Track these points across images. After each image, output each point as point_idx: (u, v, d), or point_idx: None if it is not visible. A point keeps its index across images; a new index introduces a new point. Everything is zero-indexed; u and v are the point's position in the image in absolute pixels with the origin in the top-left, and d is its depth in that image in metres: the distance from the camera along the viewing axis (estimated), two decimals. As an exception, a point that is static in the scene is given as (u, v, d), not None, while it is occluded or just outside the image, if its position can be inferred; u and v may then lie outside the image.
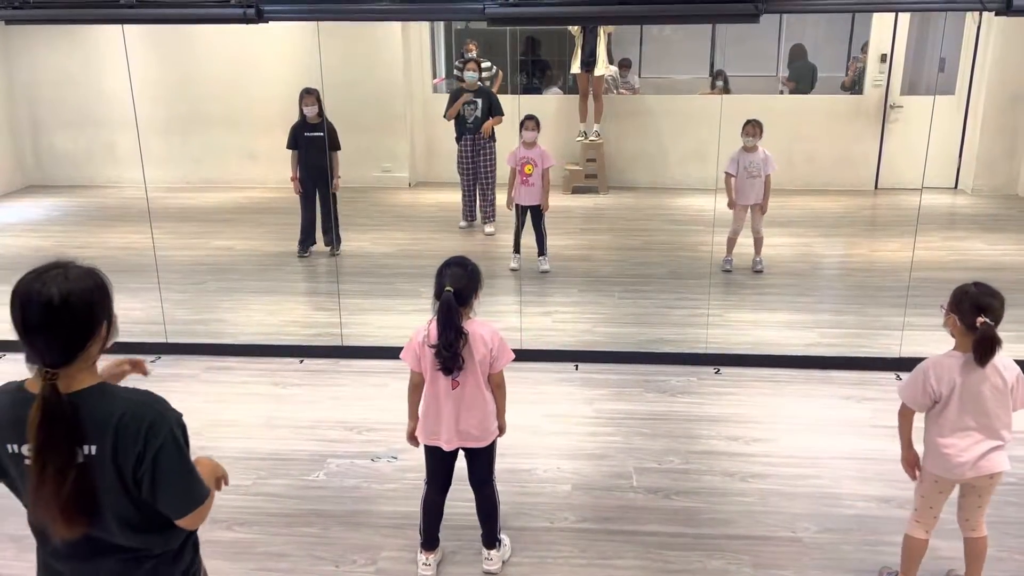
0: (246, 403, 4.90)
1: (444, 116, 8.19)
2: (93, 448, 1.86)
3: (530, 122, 6.81)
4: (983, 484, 3.09)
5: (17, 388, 1.93)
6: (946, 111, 9.50)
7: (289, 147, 7.28)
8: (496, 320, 5.63)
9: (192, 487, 1.95)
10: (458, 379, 3.21)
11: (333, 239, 7.40)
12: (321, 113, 7.12)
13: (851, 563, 3.51)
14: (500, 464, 4.08)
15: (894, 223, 8.62)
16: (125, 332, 6.31)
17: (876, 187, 9.84)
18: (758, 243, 7.02)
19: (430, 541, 3.47)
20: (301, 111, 7.16)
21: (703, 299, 6.03)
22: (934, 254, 7.23)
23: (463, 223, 8.38)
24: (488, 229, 8.20)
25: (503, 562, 3.51)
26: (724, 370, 5.24)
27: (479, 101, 8.01)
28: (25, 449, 1.87)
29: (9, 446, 1.90)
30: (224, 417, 4.71)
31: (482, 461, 3.40)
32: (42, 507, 1.86)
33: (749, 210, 6.93)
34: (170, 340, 5.52)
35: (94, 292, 1.89)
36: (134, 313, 6.07)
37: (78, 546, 1.94)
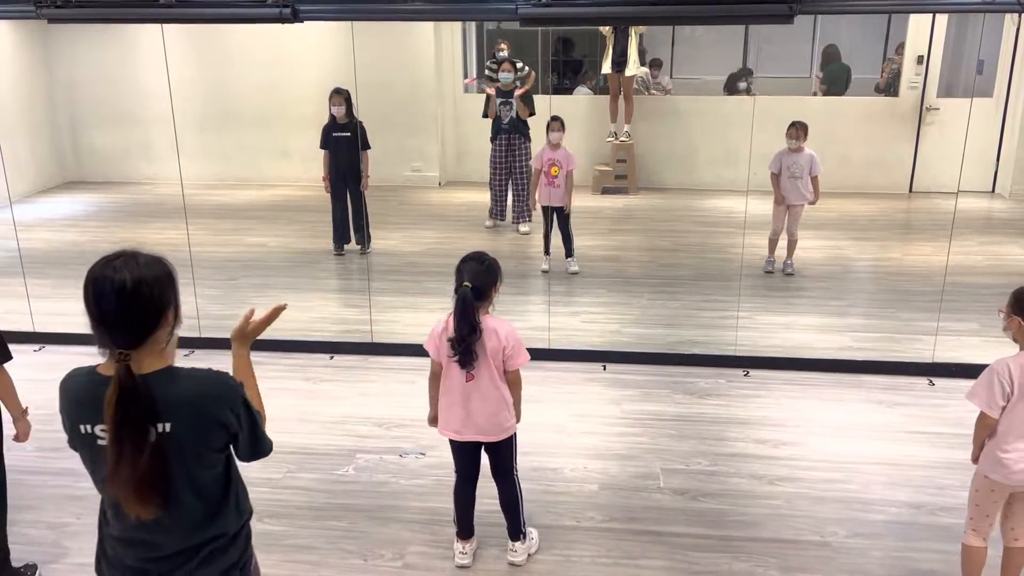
0: (277, 398, 4.92)
1: (483, 115, 8.28)
2: (167, 426, 1.94)
3: (555, 123, 6.83)
4: None
5: (89, 371, 2.01)
6: (984, 114, 9.34)
7: (321, 147, 7.37)
8: (524, 320, 5.68)
9: (259, 445, 2.14)
10: (473, 372, 3.27)
11: (364, 238, 7.46)
12: (350, 113, 7.19)
13: (880, 569, 3.47)
14: (527, 462, 4.11)
15: (929, 227, 8.50)
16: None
17: (911, 190, 9.71)
18: (792, 245, 6.98)
19: (464, 530, 3.53)
20: (330, 111, 7.24)
21: (733, 301, 6.00)
22: (969, 259, 7.11)
23: (489, 222, 8.42)
24: (523, 228, 8.20)
25: (529, 554, 3.54)
26: (753, 373, 5.21)
27: (513, 102, 8.06)
28: (98, 429, 1.96)
29: (83, 426, 1.98)
30: (255, 411, 4.77)
31: (502, 454, 3.44)
32: (119, 484, 1.92)
33: (788, 211, 6.89)
34: (203, 335, 5.60)
35: (162, 278, 1.97)
36: (169, 308, 6.17)
37: (142, 531, 2.02)
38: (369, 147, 7.33)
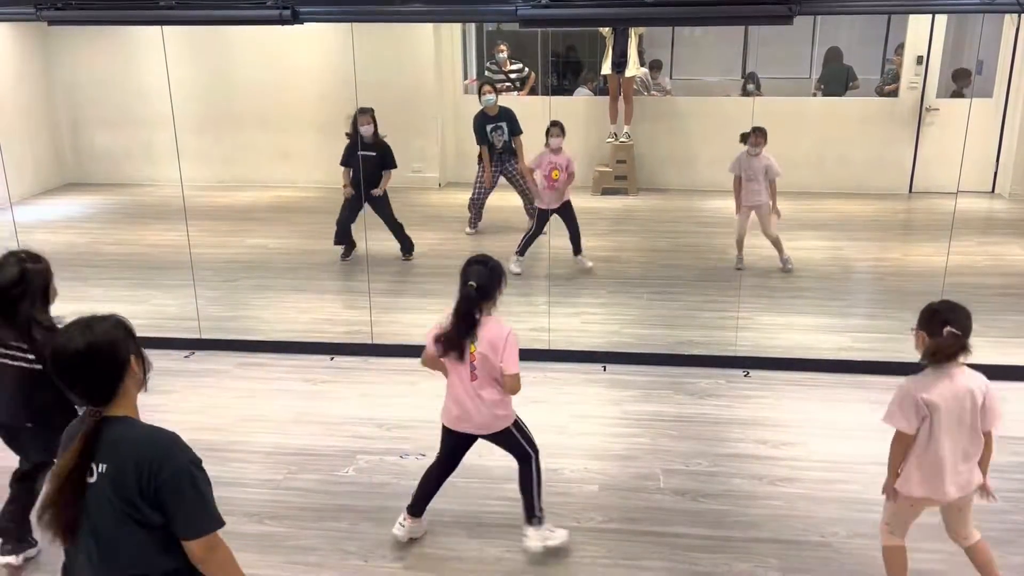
0: (277, 399, 4.96)
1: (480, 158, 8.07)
2: (103, 467, 2.05)
3: (556, 128, 6.87)
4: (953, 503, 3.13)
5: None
6: (983, 114, 9.34)
7: (342, 164, 7.23)
8: (525, 321, 5.67)
9: (201, 514, 2.10)
10: (476, 372, 3.36)
11: (405, 246, 7.43)
12: (376, 132, 7.07)
13: (880, 570, 3.46)
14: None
15: (929, 227, 8.50)
16: (160, 327, 6.39)
17: (911, 190, 9.71)
18: (777, 244, 6.97)
19: (414, 507, 3.62)
20: (356, 130, 7.02)
21: (733, 301, 6.00)
22: (969, 259, 7.11)
23: (470, 230, 8.27)
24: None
25: (544, 545, 3.54)
26: (754, 373, 5.21)
27: (503, 125, 7.89)
28: None
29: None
30: (255, 412, 4.78)
31: (511, 443, 3.53)
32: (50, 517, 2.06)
33: (754, 213, 6.91)
34: (204, 336, 5.60)
35: (115, 334, 2.09)
36: (169, 309, 6.18)
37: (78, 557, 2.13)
38: (396, 166, 7.22)
